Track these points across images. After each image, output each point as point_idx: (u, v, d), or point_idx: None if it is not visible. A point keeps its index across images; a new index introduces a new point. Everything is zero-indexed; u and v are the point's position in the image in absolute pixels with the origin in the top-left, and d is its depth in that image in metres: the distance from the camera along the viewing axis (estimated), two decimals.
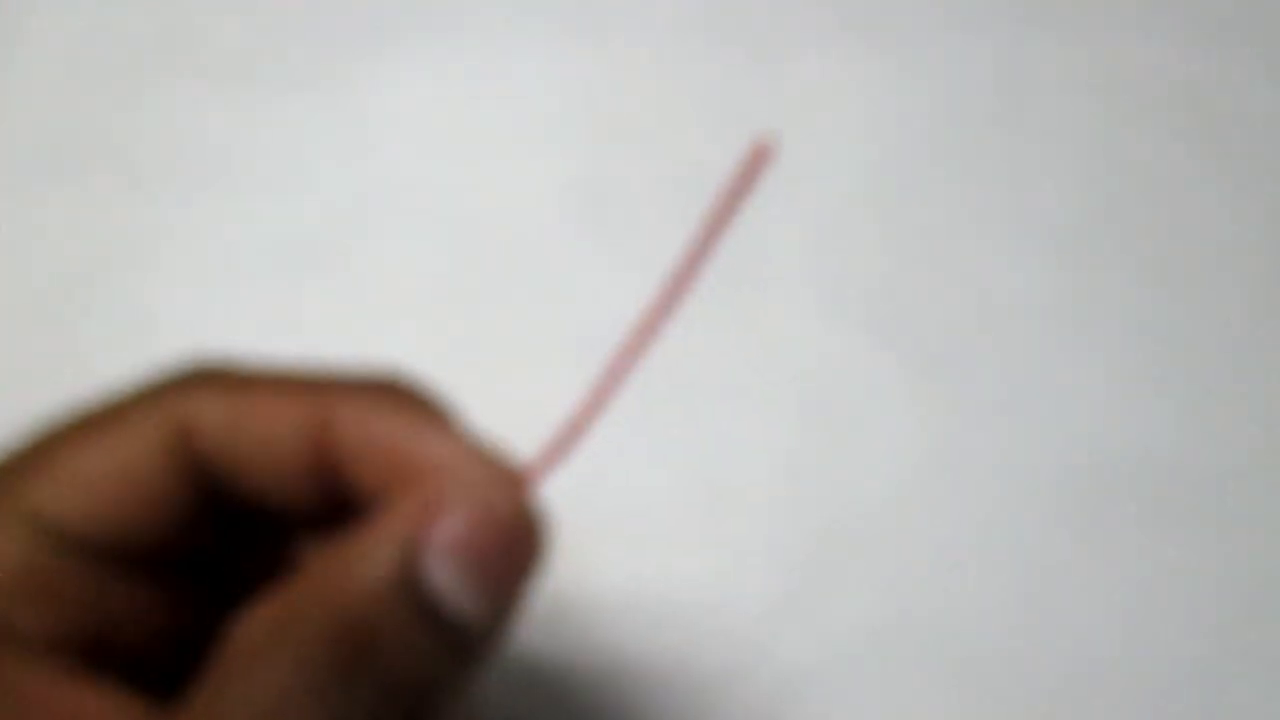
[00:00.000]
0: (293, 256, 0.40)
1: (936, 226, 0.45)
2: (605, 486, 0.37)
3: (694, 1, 0.48)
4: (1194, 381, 0.40)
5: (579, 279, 0.39)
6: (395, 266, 0.40)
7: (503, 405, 0.31)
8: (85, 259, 0.42)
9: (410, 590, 0.19)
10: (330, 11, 0.45)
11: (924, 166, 0.46)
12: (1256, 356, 0.42)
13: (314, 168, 0.42)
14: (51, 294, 0.41)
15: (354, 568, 0.20)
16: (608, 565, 0.36)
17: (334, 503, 0.24)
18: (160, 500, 0.23)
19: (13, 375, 0.38)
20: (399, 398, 0.23)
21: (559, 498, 0.36)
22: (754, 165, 0.18)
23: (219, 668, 0.20)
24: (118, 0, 0.45)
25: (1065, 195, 0.46)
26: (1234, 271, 0.44)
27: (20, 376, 0.38)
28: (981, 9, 0.50)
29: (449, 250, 0.40)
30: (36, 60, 0.46)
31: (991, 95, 0.48)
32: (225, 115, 0.43)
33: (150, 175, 0.44)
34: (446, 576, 0.19)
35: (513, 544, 0.20)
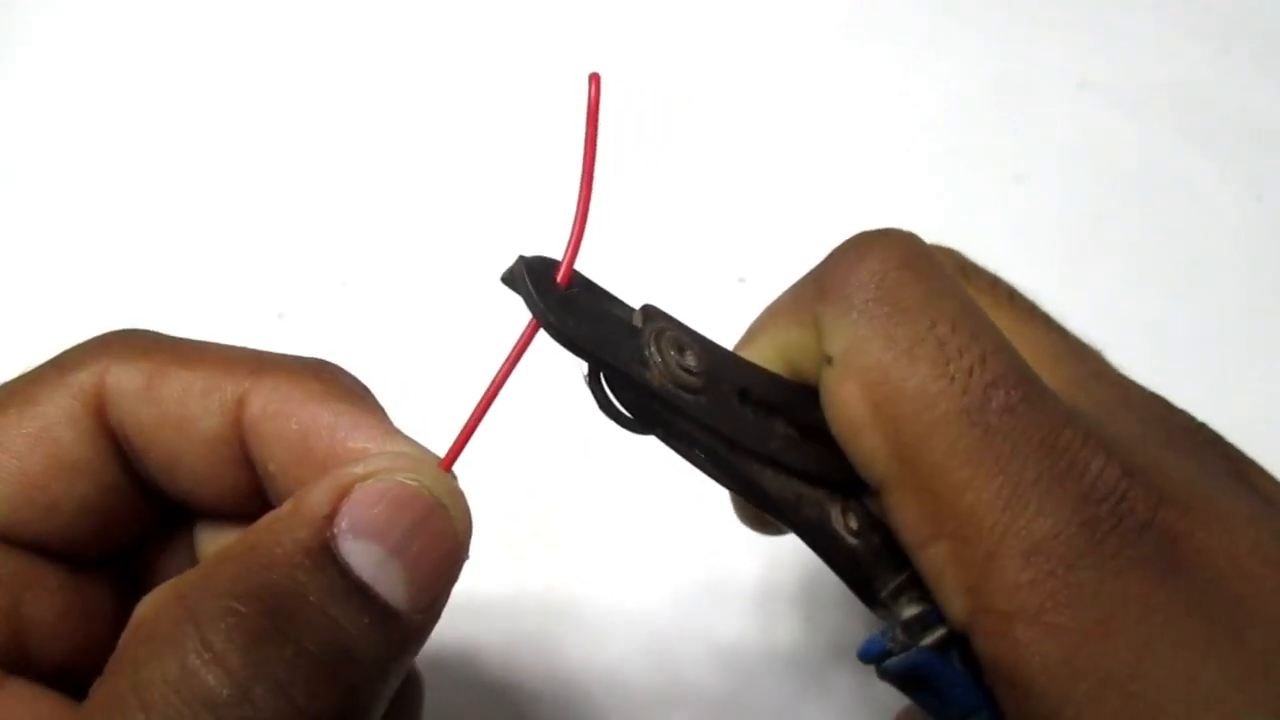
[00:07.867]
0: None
1: (936, 225, 0.44)
2: (602, 488, 0.37)
3: None
4: (1194, 380, 0.40)
5: None
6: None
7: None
8: (80, 257, 0.42)
9: (326, 558, 0.19)
10: None
11: (925, 166, 0.46)
12: (1256, 355, 0.42)
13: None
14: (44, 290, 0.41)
15: (268, 539, 0.19)
16: (596, 570, 0.36)
17: (251, 494, 0.23)
18: (75, 470, 0.22)
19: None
20: (318, 381, 0.23)
21: (550, 503, 0.36)
22: (594, 95, 0.20)
23: (118, 654, 0.19)
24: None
25: (1065, 195, 0.46)
26: (1233, 270, 0.44)
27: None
28: (983, 10, 0.50)
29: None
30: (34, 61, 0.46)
31: (992, 95, 0.48)
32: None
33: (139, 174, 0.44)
34: (361, 548, 0.19)
35: (426, 519, 0.20)
